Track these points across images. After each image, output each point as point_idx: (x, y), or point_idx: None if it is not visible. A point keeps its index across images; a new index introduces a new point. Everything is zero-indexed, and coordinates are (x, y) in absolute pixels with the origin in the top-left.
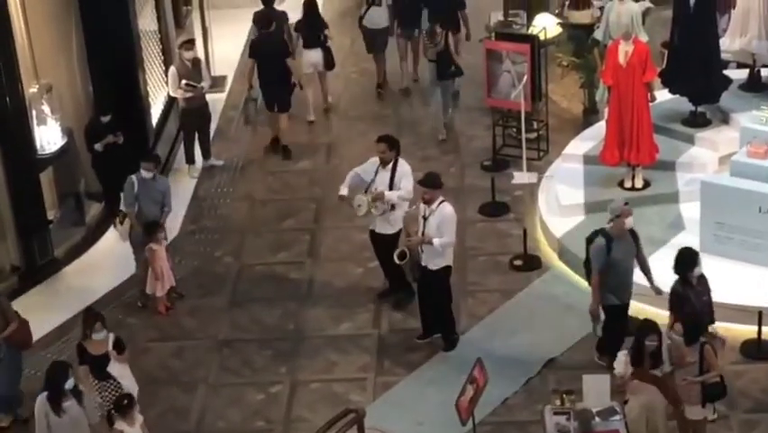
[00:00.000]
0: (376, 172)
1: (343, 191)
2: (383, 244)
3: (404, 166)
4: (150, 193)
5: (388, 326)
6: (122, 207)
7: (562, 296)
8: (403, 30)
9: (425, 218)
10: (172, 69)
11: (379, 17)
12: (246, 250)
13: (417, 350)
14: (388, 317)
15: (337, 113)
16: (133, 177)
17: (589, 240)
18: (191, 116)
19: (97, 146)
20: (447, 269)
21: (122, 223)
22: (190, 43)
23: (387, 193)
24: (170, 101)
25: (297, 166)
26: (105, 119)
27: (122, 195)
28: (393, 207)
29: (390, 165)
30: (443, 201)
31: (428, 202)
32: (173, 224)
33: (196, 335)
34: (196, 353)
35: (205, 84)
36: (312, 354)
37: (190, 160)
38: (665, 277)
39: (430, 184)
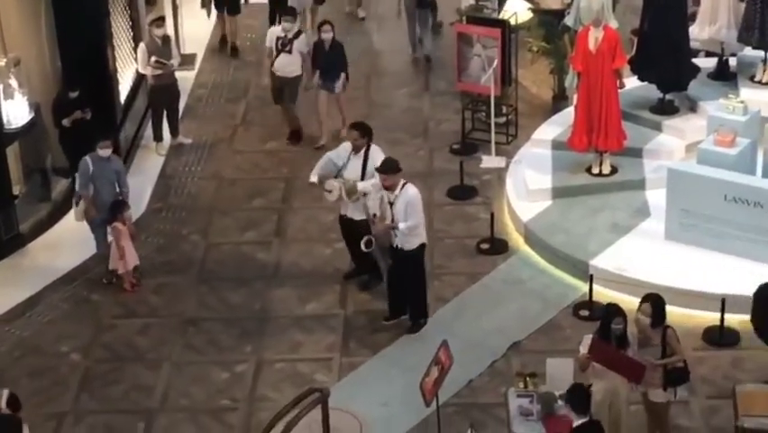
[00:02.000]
0: (348, 158)
1: (314, 178)
2: (354, 229)
3: (376, 153)
4: (105, 173)
5: (354, 306)
6: (76, 189)
7: (527, 280)
8: (324, 82)
9: (390, 204)
10: (142, 45)
11: (289, 64)
12: (213, 229)
13: (383, 331)
14: (353, 298)
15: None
16: (87, 157)
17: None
18: (160, 94)
19: (65, 122)
20: (422, 247)
21: (77, 204)
22: (161, 20)
23: (360, 185)
24: (139, 78)
25: (266, 146)
26: (73, 94)
27: (76, 176)
28: (365, 193)
29: (363, 151)
30: (405, 183)
31: (390, 188)
32: (139, 202)
33: (161, 312)
34: (161, 330)
35: (174, 62)
36: (278, 333)
37: (158, 137)
38: (630, 262)
39: (388, 170)
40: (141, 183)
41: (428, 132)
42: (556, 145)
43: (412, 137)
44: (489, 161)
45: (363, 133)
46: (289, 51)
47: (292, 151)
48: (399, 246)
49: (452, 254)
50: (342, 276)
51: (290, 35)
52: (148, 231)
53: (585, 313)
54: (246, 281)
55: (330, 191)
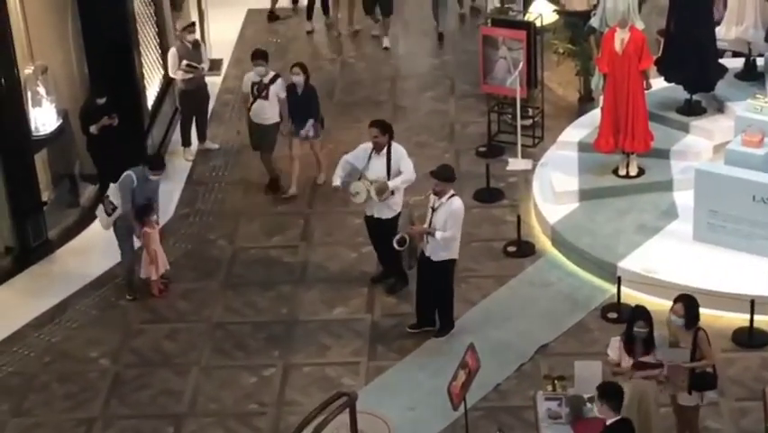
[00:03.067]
0: (369, 158)
1: (337, 181)
2: (381, 229)
3: (398, 149)
4: (144, 191)
5: (381, 310)
6: (112, 199)
7: (554, 282)
8: (295, 128)
9: (433, 209)
10: (173, 50)
11: (265, 111)
12: (240, 233)
13: (410, 335)
14: (381, 301)
15: (332, 99)
16: (132, 173)
17: None
18: (190, 98)
19: (92, 128)
20: (451, 262)
21: (109, 214)
22: (192, 26)
23: (390, 183)
24: (166, 83)
25: (293, 151)
26: (101, 101)
27: (114, 187)
28: (393, 192)
29: (384, 150)
30: (453, 195)
31: (439, 194)
32: (167, 207)
33: (189, 317)
34: (189, 335)
35: (204, 66)
36: (305, 337)
37: (186, 142)
38: (658, 264)
39: (443, 177)
40: (169, 189)
41: (454, 134)
42: (583, 147)
43: (437, 140)
44: (516, 164)
45: (383, 131)
46: (266, 97)
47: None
48: (428, 255)
49: (480, 257)
50: (370, 279)
51: (266, 80)
52: (175, 236)
53: (613, 315)
54: (273, 286)
55: (357, 193)
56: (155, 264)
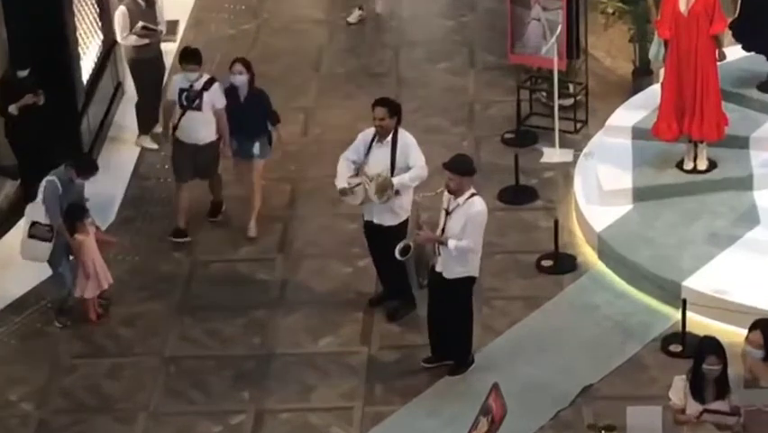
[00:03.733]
0: (369, 147)
1: (343, 183)
2: (383, 238)
3: (406, 137)
4: (69, 195)
5: (381, 341)
6: (39, 221)
7: (601, 306)
8: (239, 146)
9: (447, 212)
10: (122, 8)
11: (199, 127)
12: (201, 242)
13: (417, 373)
14: (380, 330)
15: (319, 72)
16: (54, 178)
17: None
18: (145, 69)
19: (12, 108)
20: (468, 280)
21: (49, 240)
22: None
23: (395, 180)
24: (107, 51)
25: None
26: (23, 74)
27: (35, 205)
28: (398, 191)
29: (389, 137)
30: (473, 195)
31: (454, 192)
32: (107, 209)
33: (135, 350)
34: (135, 372)
35: (162, 27)
36: (283, 376)
37: (145, 127)
38: (733, 283)
39: (459, 170)
40: (110, 185)
41: (474, 117)
42: (638, 133)
43: (453, 124)
44: (552, 155)
45: (392, 112)
46: (198, 108)
47: (300, 143)
48: (439, 270)
49: (506, 273)
50: (368, 301)
51: (198, 86)
52: (117, 246)
53: (676, 348)
54: (242, 310)
55: (353, 191)
56: (92, 280)
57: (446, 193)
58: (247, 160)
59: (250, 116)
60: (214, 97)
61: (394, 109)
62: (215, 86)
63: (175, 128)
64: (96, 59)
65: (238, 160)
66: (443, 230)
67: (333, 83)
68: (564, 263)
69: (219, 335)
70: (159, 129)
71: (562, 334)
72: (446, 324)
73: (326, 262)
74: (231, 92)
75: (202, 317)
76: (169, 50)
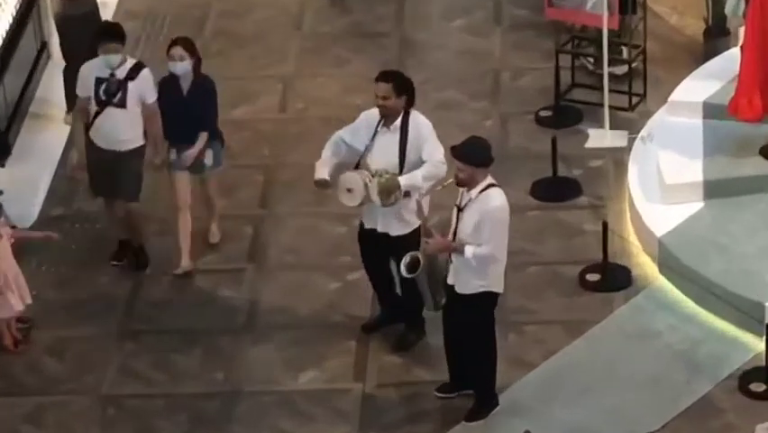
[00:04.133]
0: (374, 133)
1: (323, 173)
2: (387, 251)
3: (420, 123)
4: None
5: (378, 377)
6: None
7: (664, 332)
8: (178, 154)
9: (459, 209)
10: None
11: (119, 128)
12: (149, 249)
13: (425, 417)
14: (378, 362)
15: (301, 30)
16: None
17: None
18: (76, 27)
19: None
20: (488, 297)
21: None
22: None
23: (403, 180)
24: (27, 6)
25: (234, 112)
26: None
27: None
28: (408, 192)
29: (399, 122)
30: (490, 186)
31: (465, 184)
32: (27, 205)
33: (64, 386)
34: (63, 415)
35: None
36: (254, 420)
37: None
38: None
39: (469, 158)
40: (31, 174)
41: (500, 89)
42: (710, 111)
43: (473, 98)
44: (601, 138)
45: (400, 89)
46: (121, 103)
47: (276, 120)
48: (452, 283)
49: (541, 290)
50: (362, 327)
51: (120, 73)
52: (41, 254)
53: (758, 387)
54: (201, 336)
55: (349, 190)
56: (6, 298)
57: (459, 187)
58: (192, 173)
59: (193, 115)
60: (143, 89)
61: (402, 86)
62: (144, 73)
63: (88, 128)
64: (13, 14)
65: (177, 173)
66: (454, 233)
67: (318, 45)
68: (615, 278)
69: (171, 368)
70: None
71: (612, 368)
72: (464, 354)
73: (308, 276)
74: (169, 83)
75: (149, 344)
76: (108, 2)
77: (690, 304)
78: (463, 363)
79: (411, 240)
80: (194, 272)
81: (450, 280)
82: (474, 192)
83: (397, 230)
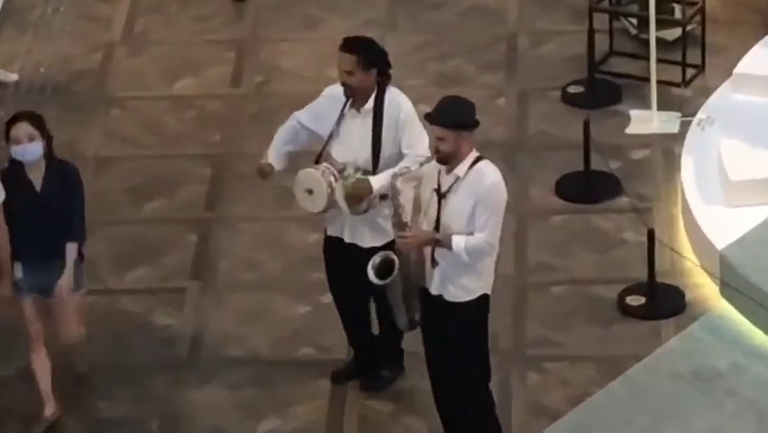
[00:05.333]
0: (340, 117)
1: (272, 158)
2: (356, 268)
3: (397, 103)
4: None
5: (360, 428)
6: None
7: (727, 373)
8: (32, 274)
9: (440, 194)
10: None
11: None
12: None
13: None
14: (358, 408)
15: None
16: None
17: None
18: None
19: None
20: (484, 302)
21: None
22: None
23: (375, 181)
24: None
25: (175, 87)
26: None
27: None
28: (386, 195)
29: (371, 103)
30: (478, 159)
31: (449, 158)
32: None
33: None
34: None
35: None
36: None
37: None
38: None
39: (451, 118)
40: None
41: (516, 59)
42: None
43: (482, 69)
44: (646, 121)
45: (368, 61)
46: None
47: (228, 98)
48: (437, 293)
49: (568, 317)
50: (331, 375)
51: None
52: None
53: None
54: (131, 374)
55: (309, 192)
56: None
57: (434, 163)
58: (45, 298)
59: (49, 219)
60: None
61: (371, 57)
62: None
63: None
64: None
65: (27, 298)
66: (437, 223)
67: (281, 2)
68: (664, 301)
69: (92, 413)
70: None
71: (659, 418)
72: (447, 379)
73: (269, 297)
74: (13, 177)
75: (62, 385)
76: None
77: (759, 336)
78: (449, 400)
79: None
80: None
81: (434, 289)
82: (461, 169)
83: (369, 240)
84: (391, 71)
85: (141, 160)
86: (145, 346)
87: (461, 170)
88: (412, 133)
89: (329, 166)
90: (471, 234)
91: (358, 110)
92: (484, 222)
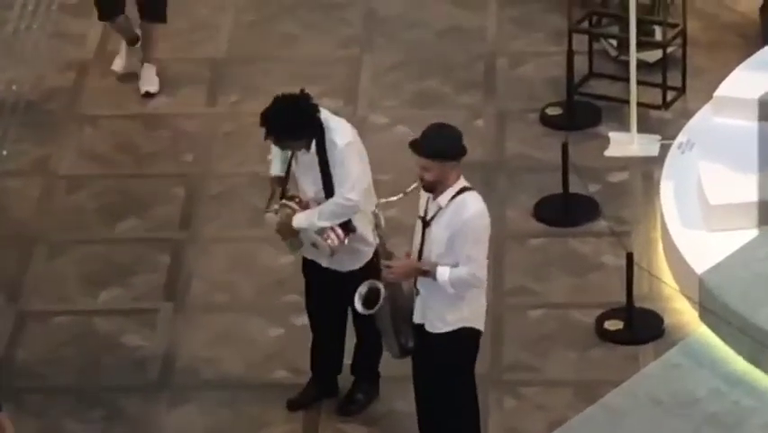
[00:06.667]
0: (292, 156)
1: (277, 169)
2: (336, 293)
3: (333, 140)
4: None
5: None
6: None
7: (705, 399)
8: None
9: (424, 223)
10: None
11: None
12: (34, 282)
13: None
14: (330, 430)
15: (232, 12)
16: None
17: None
18: None
19: None
20: (469, 336)
21: None
22: None
23: (296, 221)
24: None
25: (149, 106)
26: None
27: None
28: (346, 225)
29: (313, 146)
30: (463, 190)
31: (434, 188)
32: None
33: None
34: None
35: None
36: None
37: None
38: None
39: (436, 149)
40: None
41: (495, 79)
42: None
43: (460, 90)
44: (625, 144)
45: (300, 131)
46: None
47: (203, 117)
48: (420, 322)
49: (545, 342)
50: (287, 403)
51: None
52: None
53: None
54: (100, 395)
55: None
56: None
57: (421, 192)
58: None
59: None
60: None
61: (299, 129)
62: None
63: None
64: None
65: None
66: (420, 253)
67: (260, 18)
68: (643, 326)
69: None
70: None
71: None
72: (435, 411)
73: (242, 319)
74: None
75: (33, 407)
76: None
77: (739, 362)
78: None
79: (366, 275)
80: None
81: (417, 318)
82: (443, 199)
83: (347, 265)
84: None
85: (114, 179)
86: (116, 368)
87: (443, 199)
88: (339, 174)
89: (273, 205)
90: (455, 265)
91: (307, 150)
92: (466, 255)
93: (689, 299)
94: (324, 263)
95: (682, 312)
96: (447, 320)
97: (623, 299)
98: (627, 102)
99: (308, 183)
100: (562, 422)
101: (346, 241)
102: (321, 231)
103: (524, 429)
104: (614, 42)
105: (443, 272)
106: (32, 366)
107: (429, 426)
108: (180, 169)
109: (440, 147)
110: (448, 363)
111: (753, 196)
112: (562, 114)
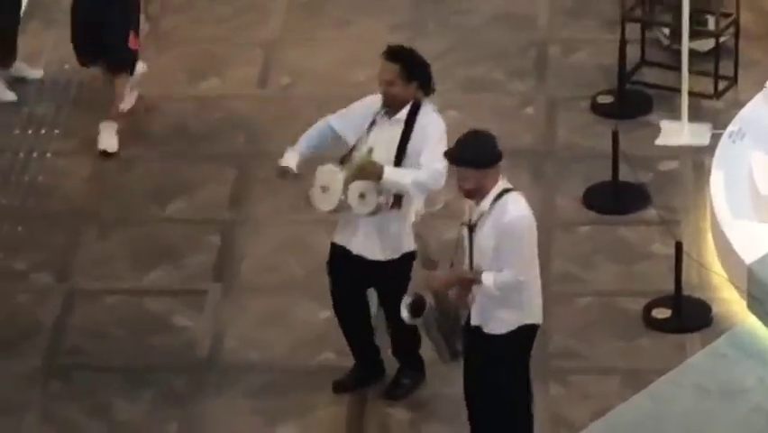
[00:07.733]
0: (372, 123)
1: (291, 161)
2: (360, 283)
3: (431, 121)
4: None
5: None
6: None
7: (754, 389)
8: None
9: (469, 228)
10: None
11: None
12: (83, 261)
13: None
14: (379, 417)
15: None
16: None
17: None
18: None
19: None
20: (525, 332)
21: None
22: None
23: (388, 170)
24: None
25: (199, 88)
26: None
27: None
28: (400, 199)
29: (404, 113)
30: (505, 192)
31: (474, 195)
32: None
33: None
34: None
35: None
36: None
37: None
38: None
39: (473, 158)
40: None
41: (546, 66)
42: None
43: (511, 77)
44: (676, 133)
45: (411, 71)
46: None
47: (253, 98)
48: (477, 324)
49: (592, 329)
50: (332, 384)
51: None
52: None
53: None
54: (149, 375)
55: (324, 189)
56: None
57: (465, 200)
58: None
59: None
60: None
61: (414, 69)
62: None
63: None
64: None
65: None
66: (470, 259)
67: (310, 2)
68: (691, 315)
69: (109, 416)
70: (24, 71)
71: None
72: (486, 410)
73: (290, 301)
74: None
75: (81, 385)
76: None
77: None
78: (490, 422)
79: (396, 270)
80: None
81: (474, 321)
82: (486, 203)
83: (377, 253)
84: (434, 85)
85: (165, 159)
86: (165, 348)
87: (485, 204)
88: (431, 151)
89: (339, 166)
90: (502, 269)
91: (389, 118)
92: (510, 258)
93: (737, 288)
94: (356, 250)
95: (731, 302)
96: (507, 321)
97: (671, 287)
98: (679, 91)
99: (379, 150)
100: (608, 410)
101: (389, 208)
102: (381, 190)
103: (569, 417)
104: (666, 31)
105: (488, 277)
106: (80, 345)
107: (482, 420)
108: (231, 150)
109: (475, 156)
110: (507, 361)
111: None
112: (613, 102)
